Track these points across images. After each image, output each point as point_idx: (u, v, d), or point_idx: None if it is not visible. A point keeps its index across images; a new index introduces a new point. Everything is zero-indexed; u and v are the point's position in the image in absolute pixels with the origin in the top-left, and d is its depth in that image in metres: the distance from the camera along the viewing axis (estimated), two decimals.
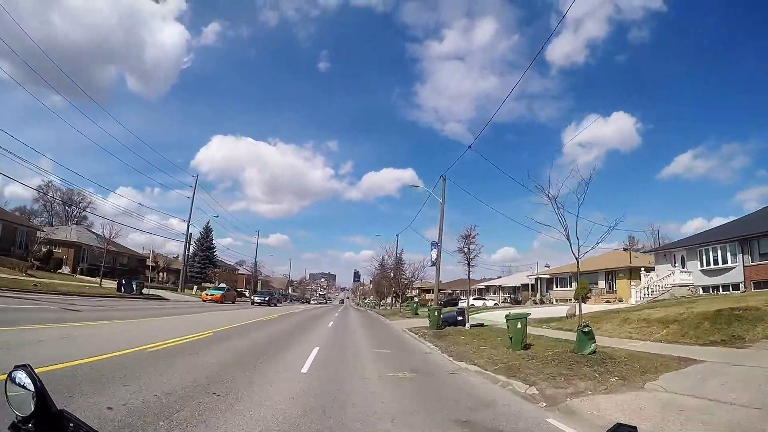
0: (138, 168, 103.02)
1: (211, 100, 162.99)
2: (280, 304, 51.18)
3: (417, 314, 32.21)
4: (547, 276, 44.24)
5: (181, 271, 42.71)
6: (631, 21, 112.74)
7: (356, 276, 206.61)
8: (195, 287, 53.15)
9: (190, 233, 42.32)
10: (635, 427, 0.76)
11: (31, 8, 77.60)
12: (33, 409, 0.95)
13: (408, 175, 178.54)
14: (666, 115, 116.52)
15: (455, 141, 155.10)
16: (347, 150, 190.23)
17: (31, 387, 0.96)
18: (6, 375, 1.03)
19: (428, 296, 74.55)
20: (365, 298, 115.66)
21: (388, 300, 68.36)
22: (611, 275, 39.44)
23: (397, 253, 41.14)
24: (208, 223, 68.36)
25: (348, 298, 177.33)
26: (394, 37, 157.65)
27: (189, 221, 41.80)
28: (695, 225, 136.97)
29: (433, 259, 25.21)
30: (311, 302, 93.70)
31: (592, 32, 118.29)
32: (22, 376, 0.98)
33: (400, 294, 53.17)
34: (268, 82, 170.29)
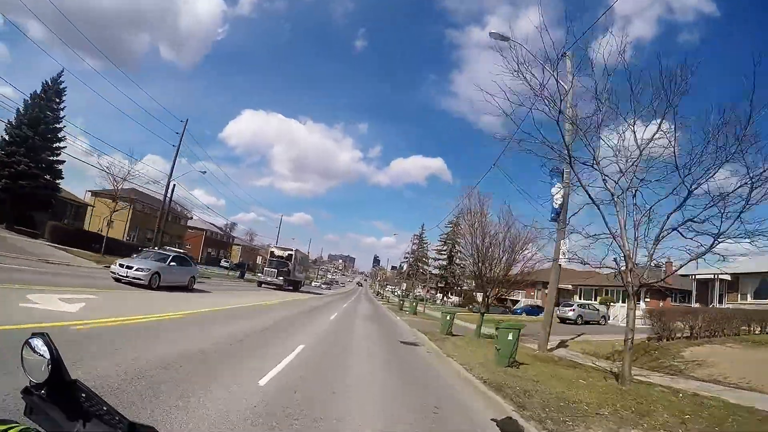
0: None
1: (243, 74, 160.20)
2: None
3: None
4: None
5: None
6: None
7: (376, 261, 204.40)
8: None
9: None
10: None
11: None
12: (47, 376, 0.97)
13: (437, 164, 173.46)
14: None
15: (489, 134, 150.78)
16: (377, 134, 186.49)
17: (47, 354, 0.97)
18: (24, 341, 1.03)
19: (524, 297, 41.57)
20: (387, 286, 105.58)
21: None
22: None
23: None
24: (60, 74, 30.96)
25: (366, 280, 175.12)
26: (434, 20, 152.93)
27: None
28: None
29: None
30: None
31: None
32: (38, 344, 0.99)
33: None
34: (302, 59, 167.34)
